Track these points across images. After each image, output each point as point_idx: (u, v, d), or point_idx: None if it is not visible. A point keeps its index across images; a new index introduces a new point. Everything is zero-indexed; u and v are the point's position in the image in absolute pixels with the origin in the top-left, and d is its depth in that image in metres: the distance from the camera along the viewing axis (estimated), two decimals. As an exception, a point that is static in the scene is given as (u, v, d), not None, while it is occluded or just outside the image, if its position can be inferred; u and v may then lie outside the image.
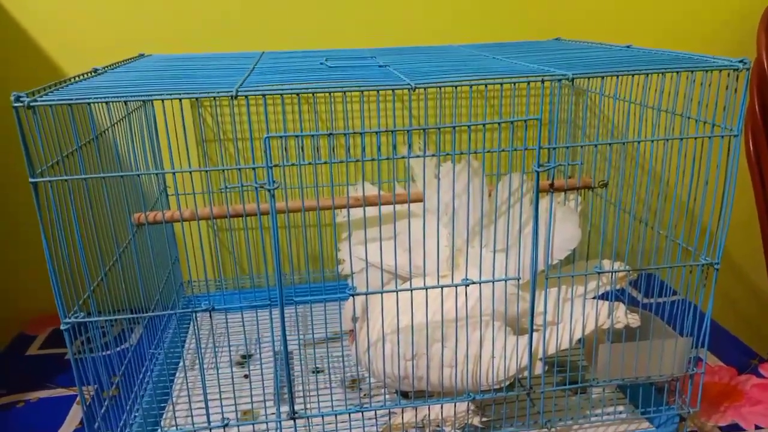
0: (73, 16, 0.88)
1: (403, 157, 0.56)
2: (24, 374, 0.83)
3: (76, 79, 0.60)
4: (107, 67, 0.69)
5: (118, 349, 0.83)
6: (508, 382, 0.62)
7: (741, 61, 0.55)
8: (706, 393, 0.75)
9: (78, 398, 0.77)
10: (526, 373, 0.61)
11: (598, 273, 0.62)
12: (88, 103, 0.50)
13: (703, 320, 0.63)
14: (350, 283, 0.69)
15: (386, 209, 0.66)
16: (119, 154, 0.67)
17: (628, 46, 0.74)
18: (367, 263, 0.62)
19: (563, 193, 0.61)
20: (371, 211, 0.64)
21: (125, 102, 0.55)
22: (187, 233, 0.90)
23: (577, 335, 0.62)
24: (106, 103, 0.50)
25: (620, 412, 0.69)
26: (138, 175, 0.55)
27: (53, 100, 0.49)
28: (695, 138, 0.58)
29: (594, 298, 0.64)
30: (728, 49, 1.00)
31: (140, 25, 0.89)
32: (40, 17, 0.87)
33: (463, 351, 0.60)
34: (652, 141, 0.59)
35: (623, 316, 0.62)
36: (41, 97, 0.49)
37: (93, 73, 0.64)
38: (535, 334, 0.61)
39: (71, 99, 0.49)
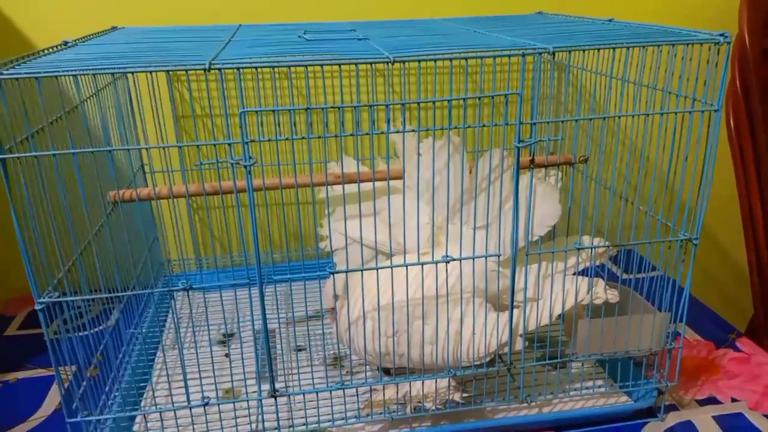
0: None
1: (382, 133, 0.55)
2: (2, 355, 0.82)
3: (46, 52, 0.58)
4: (78, 40, 0.67)
5: (97, 329, 0.82)
6: (488, 358, 0.62)
7: (722, 35, 0.55)
8: (684, 367, 0.76)
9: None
10: (506, 349, 0.62)
11: (578, 249, 0.62)
12: (57, 77, 0.48)
13: (681, 295, 0.63)
14: (332, 260, 0.68)
15: (367, 186, 0.66)
16: (93, 130, 0.66)
17: (609, 20, 0.73)
18: (346, 239, 0.61)
19: (544, 169, 0.61)
20: (352, 188, 0.63)
21: (94, 75, 0.53)
22: (166, 211, 0.89)
23: (557, 311, 0.62)
24: (75, 76, 0.48)
25: (599, 386, 0.70)
26: (110, 151, 0.54)
27: (20, 74, 0.47)
28: (676, 113, 0.58)
29: (574, 274, 0.64)
30: (710, 24, 1.00)
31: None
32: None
33: (443, 328, 0.60)
34: (633, 116, 0.58)
35: (602, 292, 0.62)
36: (7, 70, 0.48)
37: (63, 46, 0.62)
38: (515, 311, 0.61)
39: (39, 72, 0.48)
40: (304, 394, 0.63)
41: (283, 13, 0.90)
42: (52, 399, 0.73)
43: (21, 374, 0.78)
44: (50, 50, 0.59)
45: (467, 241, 0.61)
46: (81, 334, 0.59)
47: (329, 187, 0.65)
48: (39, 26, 0.86)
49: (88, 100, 0.64)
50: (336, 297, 0.66)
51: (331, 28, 0.76)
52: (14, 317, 0.91)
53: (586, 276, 0.63)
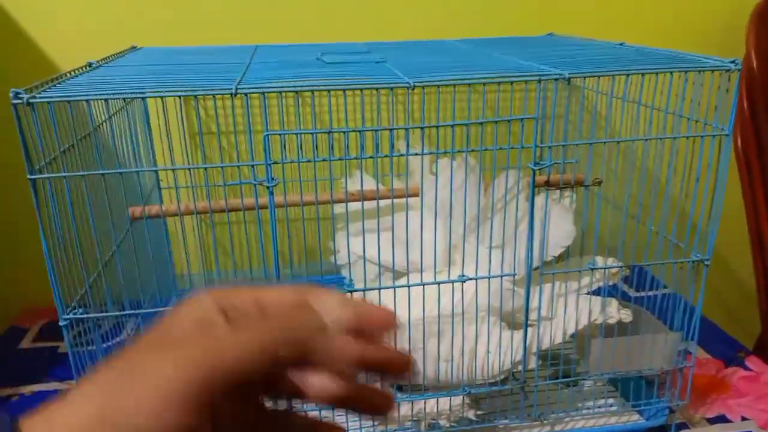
0: (63, 6, 0.87)
1: (402, 155, 0.56)
2: (17, 367, 0.83)
3: (72, 74, 0.59)
4: (101, 60, 0.69)
5: (114, 341, 0.83)
6: (502, 376, 0.63)
7: (733, 62, 0.56)
8: (694, 385, 0.76)
9: (73, 392, 0.77)
10: (520, 367, 0.62)
11: (592, 269, 0.63)
12: (87, 100, 0.49)
13: (692, 314, 0.64)
14: (346, 276, 0.69)
15: (383, 203, 0.67)
16: (114, 148, 0.67)
17: (621, 44, 0.74)
18: (365, 256, 0.62)
19: (558, 191, 0.62)
20: (368, 205, 0.65)
21: (124, 99, 0.55)
22: (180, 227, 0.90)
23: (571, 330, 0.63)
24: (106, 100, 0.50)
25: (611, 405, 0.70)
26: (138, 172, 0.55)
27: (52, 97, 0.48)
28: (687, 137, 0.59)
29: (587, 293, 0.65)
30: (717, 47, 1.01)
31: (132, 16, 0.88)
32: (31, 7, 0.86)
33: (458, 346, 0.61)
34: (646, 140, 0.60)
35: (615, 312, 0.63)
36: (39, 93, 0.49)
37: (88, 68, 0.64)
38: (529, 329, 0.62)
39: (70, 96, 0.49)
40: (320, 410, 0.64)
41: (298, 34, 0.91)
42: (68, 412, 0.74)
43: (37, 387, 0.79)
44: (76, 72, 0.60)
45: (483, 260, 0.62)
46: (103, 345, 0.60)
47: (347, 205, 0.66)
48: (59, 45, 0.88)
49: (111, 119, 0.65)
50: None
51: (346, 50, 0.77)
52: (29, 329, 0.92)
53: (599, 295, 0.64)
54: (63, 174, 0.51)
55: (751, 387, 0.76)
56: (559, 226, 0.61)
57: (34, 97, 0.48)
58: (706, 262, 0.62)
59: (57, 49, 0.88)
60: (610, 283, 0.65)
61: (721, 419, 0.71)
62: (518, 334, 0.62)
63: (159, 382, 0.24)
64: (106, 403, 0.24)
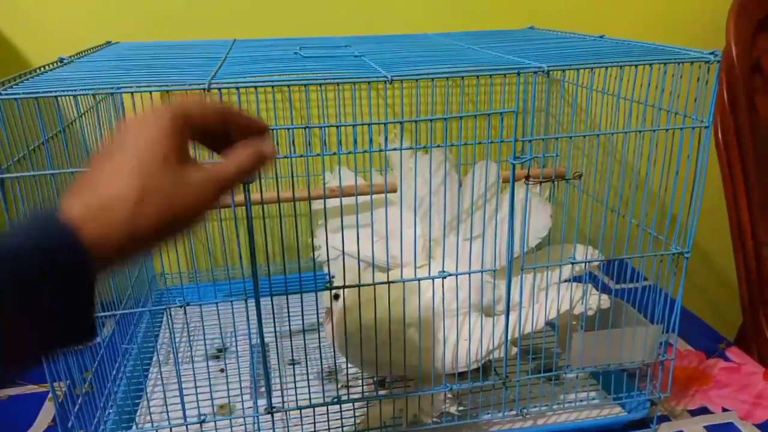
0: (37, 2, 0.85)
1: (380, 150, 0.56)
2: (-8, 371, 0.81)
3: (42, 69, 0.58)
4: (73, 56, 0.67)
5: (91, 343, 0.82)
6: (484, 359, 0.62)
7: (712, 53, 0.56)
8: (676, 377, 0.76)
9: (50, 395, 0.75)
10: (501, 357, 0.62)
11: (572, 264, 0.63)
12: (56, 97, 0.48)
13: (673, 307, 0.64)
14: (326, 270, 0.69)
15: (362, 198, 0.66)
16: (87, 146, 0.66)
17: (601, 37, 0.74)
18: (344, 254, 0.61)
19: (539, 185, 0.62)
20: (347, 200, 0.64)
21: (94, 95, 0.53)
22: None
23: (552, 315, 0.62)
24: (75, 96, 0.48)
25: (593, 398, 0.70)
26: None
27: (19, 94, 0.47)
28: (667, 129, 0.59)
29: (566, 281, 0.65)
30: (697, 38, 1.02)
31: (106, 11, 0.87)
32: (2, 3, 0.84)
33: (440, 339, 0.60)
34: (626, 133, 0.59)
35: (595, 300, 0.63)
36: (5, 90, 0.48)
37: (59, 63, 0.62)
38: (510, 316, 0.61)
39: (38, 92, 0.48)
40: (300, 409, 0.63)
41: (277, 28, 0.90)
42: (45, 416, 0.72)
43: (12, 391, 0.77)
44: (46, 68, 0.59)
45: (463, 255, 0.61)
46: (79, 347, 0.58)
47: (325, 200, 0.65)
48: (32, 40, 0.86)
49: (83, 116, 0.64)
50: (336, 297, 0.66)
51: (325, 44, 0.76)
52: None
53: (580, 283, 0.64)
54: (32, 173, 0.50)
55: (732, 378, 0.77)
56: (536, 218, 0.61)
57: (0, 94, 0.46)
58: (686, 255, 0.62)
59: (29, 46, 0.86)
60: (590, 271, 0.65)
61: (703, 411, 0.71)
62: (498, 320, 0.61)
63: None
64: (142, 180, 0.32)
